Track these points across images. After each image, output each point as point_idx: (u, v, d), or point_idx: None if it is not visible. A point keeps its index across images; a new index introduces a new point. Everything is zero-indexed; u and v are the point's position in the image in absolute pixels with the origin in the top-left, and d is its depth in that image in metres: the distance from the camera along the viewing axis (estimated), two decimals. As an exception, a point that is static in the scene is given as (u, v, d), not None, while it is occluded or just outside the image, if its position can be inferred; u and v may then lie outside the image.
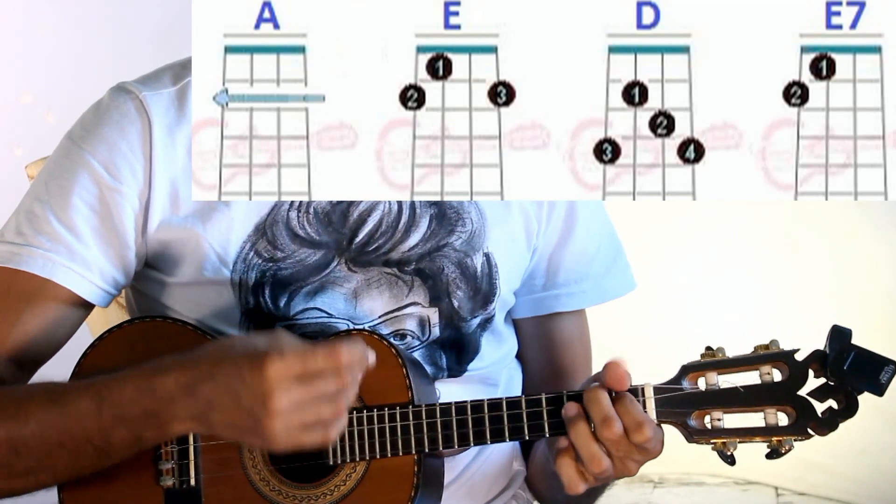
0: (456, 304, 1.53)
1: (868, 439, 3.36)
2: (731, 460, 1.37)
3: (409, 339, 1.53)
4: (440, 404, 1.40)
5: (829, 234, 3.37)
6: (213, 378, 1.31)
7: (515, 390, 1.61)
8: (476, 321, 1.55)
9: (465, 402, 1.39)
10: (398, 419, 1.40)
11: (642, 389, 1.37)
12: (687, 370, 1.38)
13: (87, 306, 1.51)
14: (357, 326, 1.49)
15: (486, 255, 1.55)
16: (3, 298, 1.48)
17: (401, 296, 1.52)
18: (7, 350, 1.47)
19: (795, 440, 1.36)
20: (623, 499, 3.54)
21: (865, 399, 3.75)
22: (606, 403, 1.35)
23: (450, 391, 1.51)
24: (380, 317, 1.52)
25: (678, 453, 3.90)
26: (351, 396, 1.31)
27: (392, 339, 1.47)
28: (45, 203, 1.48)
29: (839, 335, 1.35)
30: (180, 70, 1.54)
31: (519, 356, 1.65)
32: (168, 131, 1.49)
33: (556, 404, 1.39)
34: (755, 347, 1.38)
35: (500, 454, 1.61)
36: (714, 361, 1.37)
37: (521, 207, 1.58)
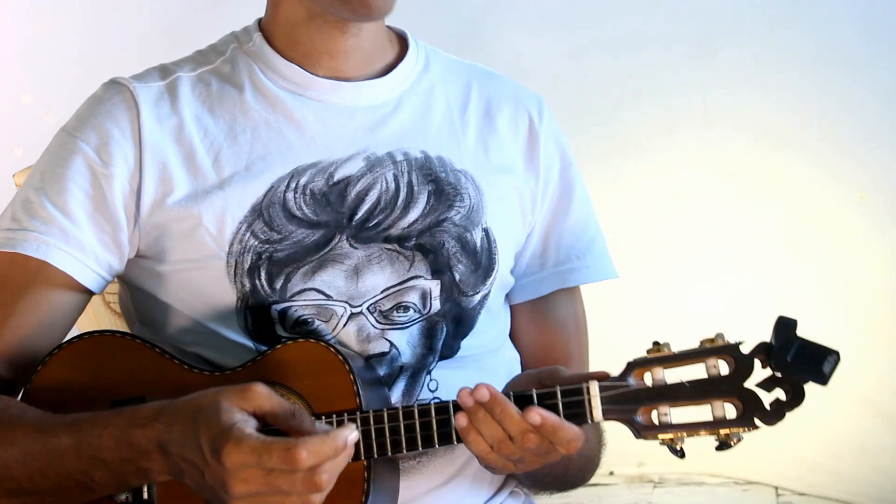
0: (458, 277, 1.55)
1: (868, 439, 3.36)
2: (680, 454, 1.36)
3: (411, 311, 1.53)
4: (388, 409, 1.39)
5: (829, 234, 3.37)
6: (182, 449, 1.29)
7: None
8: (477, 297, 1.57)
9: (412, 406, 1.39)
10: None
11: (587, 388, 1.36)
12: (633, 366, 1.37)
13: (83, 293, 1.51)
14: (310, 339, 1.46)
15: (486, 230, 1.57)
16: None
17: (402, 271, 1.53)
18: (2, 346, 1.47)
19: (743, 432, 1.35)
20: (623, 499, 3.54)
21: (867, 400, 3.75)
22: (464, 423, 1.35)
23: (445, 376, 1.53)
24: (382, 292, 1.52)
25: (678, 453, 3.86)
26: (317, 497, 1.26)
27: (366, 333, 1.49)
28: (40, 190, 1.50)
29: (784, 326, 1.35)
30: (169, 67, 1.59)
31: (516, 340, 1.66)
32: (157, 119, 1.52)
33: (518, 404, 1.37)
34: (701, 341, 1.37)
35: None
36: (659, 357, 1.37)
37: (515, 186, 1.61)
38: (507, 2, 3.53)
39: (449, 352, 1.56)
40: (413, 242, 1.53)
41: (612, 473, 3.62)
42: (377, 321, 1.52)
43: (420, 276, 1.54)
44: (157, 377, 1.45)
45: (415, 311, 1.54)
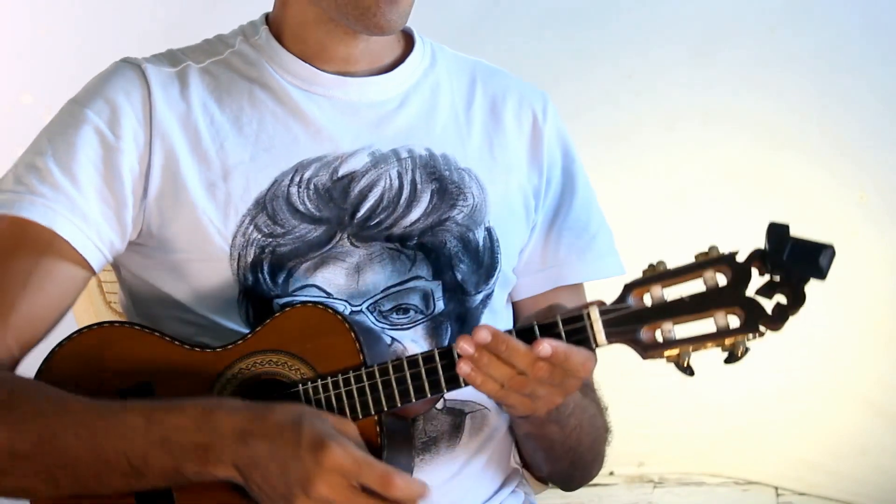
0: (459, 277, 1.55)
1: (868, 439, 3.36)
2: (689, 371, 1.34)
3: (412, 313, 1.53)
4: (392, 361, 1.39)
5: (829, 234, 3.36)
6: (270, 439, 1.30)
7: None
8: (480, 297, 1.57)
9: (416, 354, 1.39)
10: (353, 382, 1.39)
11: (587, 313, 1.35)
12: (630, 288, 1.36)
13: (85, 269, 1.49)
14: (310, 299, 1.48)
15: (488, 230, 1.57)
16: (3, 257, 1.46)
17: (403, 270, 1.53)
18: (11, 330, 1.45)
19: (748, 339, 1.32)
20: (623, 499, 3.54)
21: (867, 400, 3.72)
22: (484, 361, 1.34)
23: None
24: (382, 291, 1.52)
25: (678, 453, 3.90)
26: None
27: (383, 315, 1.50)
28: (48, 156, 1.48)
29: (777, 230, 1.33)
30: (178, 55, 1.58)
31: None
32: (167, 103, 1.51)
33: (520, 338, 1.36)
34: (696, 256, 1.36)
35: (500, 450, 1.62)
36: (656, 275, 1.36)
37: (519, 184, 1.61)
38: (507, 2, 3.53)
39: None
40: (415, 242, 1.53)
41: (612, 473, 3.62)
42: (377, 320, 1.52)
43: (421, 277, 1.53)
44: (160, 360, 1.45)
45: (416, 312, 1.54)
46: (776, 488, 3.50)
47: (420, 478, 1.51)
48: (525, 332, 1.36)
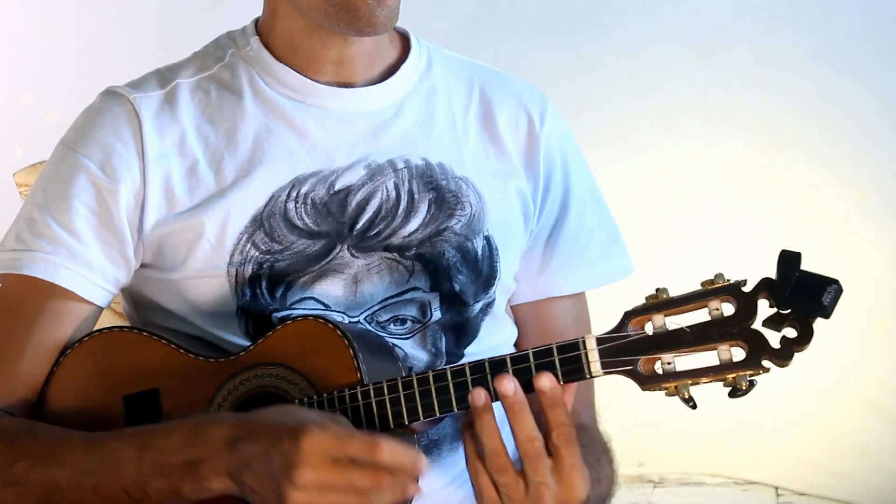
0: (457, 287, 1.53)
1: (868, 439, 3.36)
2: (691, 403, 1.29)
3: (409, 323, 1.53)
4: (387, 381, 1.38)
5: (829, 234, 3.37)
6: (253, 438, 1.28)
7: None
8: (479, 306, 1.56)
9: (411, 376, 1.38)
10: (348, 401, 1.39)
11: (583, 342, 1.32)
12: (630, 316, 1.31)
13: (94, 308, 1.51)
14: (308, 313, 1.47)
15: (487, 239, 1.55)
16: (8, 314, 1.48)
17: (401, 281, 1.52)
18: (19, 377, 1.47)
19: (751, 375, 1.27)
20: (623, 499, 3.53)
21: (867, 400, 3.72)
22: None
23: None
24: (380, 302, 1.51)
25: (678, 453, 3.90)
26: (385, 500, 1.25)
27: (373, 324, 1.49)
28: (44, 208, 1.49)
29: (788, 260, 1.25)
30: (167, 73, 1.56)
31: (517, 342, 1.64)
32: (158, 131, 1.50)
33: (500, 369, 1.35)
34: (701, 283, 1.30)
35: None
36: (658, 303, 1.30)
37: (517, 190, 1.59)
38: (507, 2, 3.53)
39: (454, 359, 1.55)
40: (413, 252, 1.52)
41: (612, 473, 3.62)
42: (375, 331, 1.52)
43: (418, 288, 1.52)
44: (166, 368, 1.45)
45: (413, 322, 1.53)
46: (776, 488, 3.50)
47: (423, 480, 1.51)
48: (519, 359, 1.35)
